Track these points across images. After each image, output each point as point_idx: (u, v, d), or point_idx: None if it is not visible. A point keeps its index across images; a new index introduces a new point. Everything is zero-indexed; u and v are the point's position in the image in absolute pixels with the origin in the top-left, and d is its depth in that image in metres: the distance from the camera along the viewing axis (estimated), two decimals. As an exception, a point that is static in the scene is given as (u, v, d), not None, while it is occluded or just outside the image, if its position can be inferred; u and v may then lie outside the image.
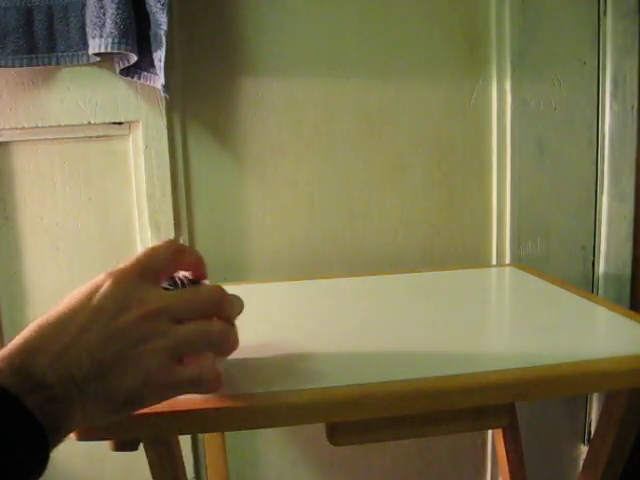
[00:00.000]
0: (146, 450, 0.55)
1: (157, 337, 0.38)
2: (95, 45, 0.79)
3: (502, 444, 0.91)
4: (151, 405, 0.40)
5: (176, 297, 0.41)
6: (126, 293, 0.39)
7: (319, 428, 0.50)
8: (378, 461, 1.04)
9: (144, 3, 0.80)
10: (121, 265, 0.41)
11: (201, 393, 0.44)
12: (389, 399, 0.46)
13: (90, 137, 0.89)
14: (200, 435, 0.94)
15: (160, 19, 0.78)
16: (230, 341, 0.43)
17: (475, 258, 0.99)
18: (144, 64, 0.83)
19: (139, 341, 0.37)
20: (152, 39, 0.81)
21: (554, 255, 1.00)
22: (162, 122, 0.88)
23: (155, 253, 0.42)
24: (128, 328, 0.37)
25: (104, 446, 0.46)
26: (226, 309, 0.43)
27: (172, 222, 0.90)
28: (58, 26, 0.82)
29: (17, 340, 0.36)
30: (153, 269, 0.41)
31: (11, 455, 0.32)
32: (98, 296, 0.38)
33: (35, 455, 0.33)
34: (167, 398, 0.40)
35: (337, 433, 0.50)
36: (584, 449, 1.06)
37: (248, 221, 0.94)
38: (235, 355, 0.46)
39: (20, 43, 0.80)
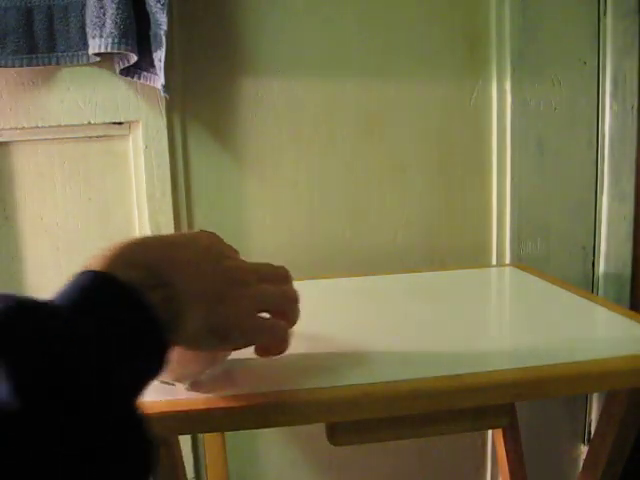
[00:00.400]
0: (146, 450, 0.55)
1: (251, 286, 0.43)
2: (95, 45, 0.79)
3: (502, 444, 0.91)
4: (230, 346, 0.44)
5: (261, 264, 0.46)
6: (226, 246, 0.45)
7: (319, 428, 0.50)
8: (378, 461, 1.04)
9: (144, 3, 0.80)
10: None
11: (270, 352, 0.45)
12: (389, 399, 0.46)
13: (90, 137, 0.89)
14: (200, 435, 0.94)
15: (160, 19, 0.78)
16: (297, 311, 0.46)
17: (475, 258, 0.99)
18: (144, 64, 0.83)
19: (239, 284, 0.42)
20: (152, 39, 0.81)
21: (554, 255, 1.00)
22: (162, 122, 0.88)
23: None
24: (231, 270, 0.42)
25: (104, 446, 0.46)
26: (292, 286, 0.47)
27: (172, 222, 0.90)
28: (58, 26, 0.82)
29: (132, 245, 0.38)
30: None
31: (138, 348, 0.33)
32: (205, 240, 0.43)
33: (158, 351, 0.35)
34: (244, 344, 0.43)
35: (337, 433, 0.50)
36: (584, 449, 1.06)
37: (248, 221, 0.94)
38: (235, 355, 0.46)
39: (20, 43, 0.80)
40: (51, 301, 0.31)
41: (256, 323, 0.43)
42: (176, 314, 0.37)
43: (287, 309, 0.45)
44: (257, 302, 0.43)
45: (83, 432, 0.26)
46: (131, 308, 0.33)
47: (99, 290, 0.33)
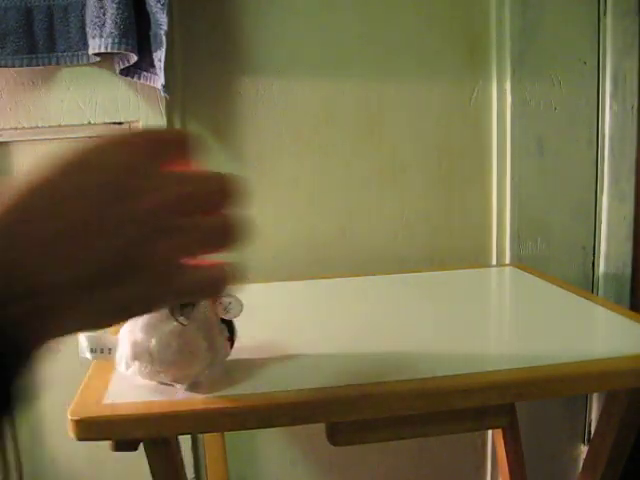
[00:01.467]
0: (146, 450, 0.55)
1: (177, 232, 0.30)
2: (95, 45, 0.79)
3: (502, 444, 0.91)
4: (150, 312, 0.32)
5: (195, 178, 0.34)
6: (145, 169, 0.30)
7: (319, 428, 0.50)
8: (378, 461, 1.04)
9: (144, 3, 0.80)
10: (124, 133, 0.31)
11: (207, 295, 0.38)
12: (389, 399, 0.46)
13: (90, 137, 0.89)
14: (200, 435, 0.94)
15: (160, 19, 0.78)
16: (240, 237, 0.34)
17: (475, 258, 0.99)
18: (144, 64, 0.83)
19: (160, 235, 0.29)
20: (152, 39, 0.81)
21: (554, 255, 0.99)
22: (162, 122, 0.88)
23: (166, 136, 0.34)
24: (150, 215, 0.29)
25: (104, 447, 0.46)
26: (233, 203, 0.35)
27: (172, 222, 0.90)
28: (58, 26, 0.81)
29: None
30: (166, 152, 0.33)
31: None
32: (109, 166, 0.28)
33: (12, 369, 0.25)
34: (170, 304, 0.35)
35: (337, 433, 0.50)
36: (584, 449, 1.06)
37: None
38: (235, 355, 0.46)
39: (20, 43, 0.80)
40: None
41: (185, 283, 0.31)
42: (51, 319, 0.27)
43: (226, 245, 0.33)
44: (187, 250, 0.31)
45: None
46: None
47: None
